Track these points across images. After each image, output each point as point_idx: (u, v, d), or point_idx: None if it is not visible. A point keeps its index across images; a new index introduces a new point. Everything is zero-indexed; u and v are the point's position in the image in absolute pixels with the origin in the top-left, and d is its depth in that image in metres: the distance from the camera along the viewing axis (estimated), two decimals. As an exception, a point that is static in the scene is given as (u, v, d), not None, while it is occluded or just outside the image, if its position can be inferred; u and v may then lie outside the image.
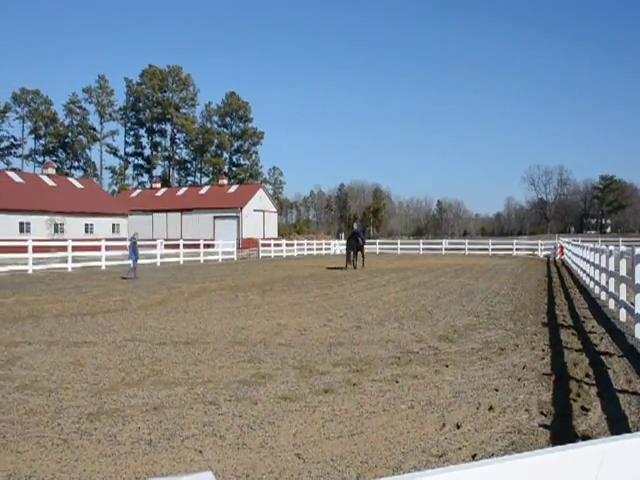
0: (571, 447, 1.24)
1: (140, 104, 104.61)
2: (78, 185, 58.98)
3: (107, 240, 33.96)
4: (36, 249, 27.15)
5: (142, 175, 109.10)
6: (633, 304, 9.34)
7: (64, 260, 27.68)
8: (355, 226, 28.81)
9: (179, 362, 7.56)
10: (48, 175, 56.66)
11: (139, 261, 23.39)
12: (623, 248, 12.45)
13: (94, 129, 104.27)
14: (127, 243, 23.68)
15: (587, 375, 6.73)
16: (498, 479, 1.15)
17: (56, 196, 51.69)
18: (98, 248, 29.81)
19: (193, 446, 4.60)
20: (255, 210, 65.06)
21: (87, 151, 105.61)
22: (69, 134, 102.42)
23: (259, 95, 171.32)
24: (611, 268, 12.71)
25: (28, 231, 46.27)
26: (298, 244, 48.43)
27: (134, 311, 12.59)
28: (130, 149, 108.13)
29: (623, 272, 11.29)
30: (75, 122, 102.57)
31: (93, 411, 5.43)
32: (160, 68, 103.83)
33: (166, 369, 7.15)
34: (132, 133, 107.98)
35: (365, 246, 29.30)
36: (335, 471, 4.15)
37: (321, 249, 50.79)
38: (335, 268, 28.00)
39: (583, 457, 1.24)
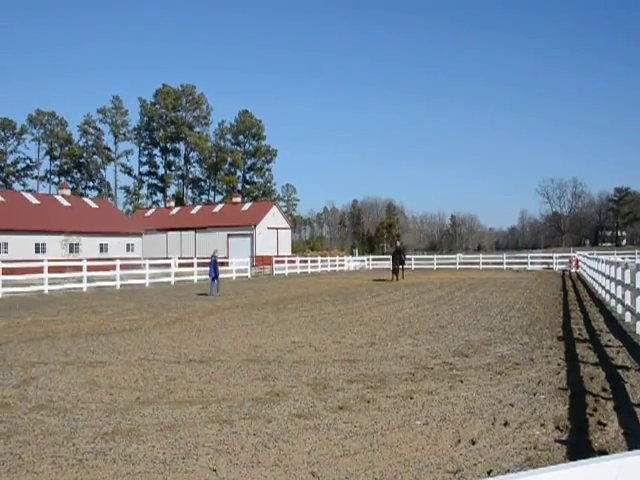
0: (586, 462, 1.25)
1: (154, 123, 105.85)
2: (93, 205, 59.64)
3: (122, 260, 34.23)
4: (52, 269, 27.45)
5: (156, 194, 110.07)
6: (650, 317, 9.24)
7: (79, 280, 27.93)
8: (397, 244, 33.59)
9: (193, 381, 7.58)
10: (63, 195, 57.36)
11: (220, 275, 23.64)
12: (639, 261, 12.34)
13: (108, 149, 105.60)
14: (209, 260, 23.85)
15: (603, 389, 6.65)
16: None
17: (71, 216, 52.28)
18: (113, 268, 30.06)
19: (207, 465, 4.61)
20: (269, 227, 65.22)
21: (102, 171, 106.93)
22: (84, 154, 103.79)
23: (272, 113, 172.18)
24: (627, 281, 12.58)
25: (44, 251, 46.76)
26: (312, 261, 48.43)
27: (148, 330, 12.66)
28: (144, 168, 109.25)
29: (639, 285, 11.17)
30: (90, 142, 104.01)
31: (108, 431, 5.46)
32: (173, 87, 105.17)
33: (180, 388, 7.18)
34: (146, 152, 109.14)
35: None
36: (349, 489, 4.13)
37: (335, 266, 50.75)
38: (381, 280, 31.37)
39: (599, 472, 1.24)
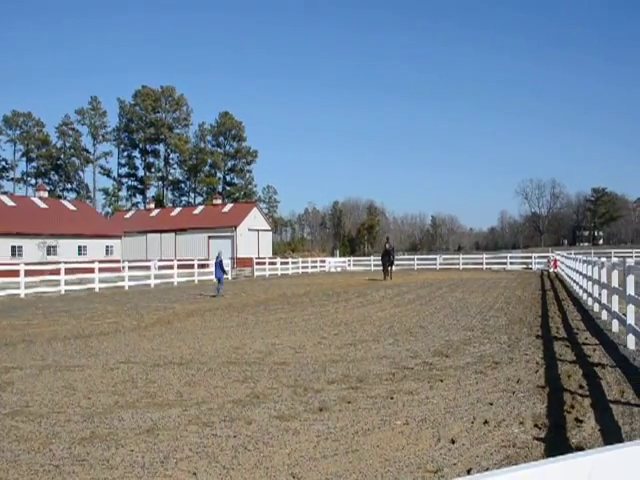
0: (561, 459, 1.26)
1: (133, 125, 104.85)
2: (71, 207, 58.87)
3: (101, 262, 33.85)
4: (28, 273, 27.03)
5: (136, 196, 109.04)
6: (625, 315, 9.38)
7: (57, 283, 27.56)
8: (387, 245, 33.98)
9: (173, 383, 7.52)
10: (40, 198, 56.54)
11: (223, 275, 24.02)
12: (615, 260, 12.53)
13: (87, 151, 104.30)
14: (213, 261, 25.02)
15: (581, 387, 6.74)
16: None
17: (48, 219, 51.53)
18: (92, 270, 29.70)
19: (187, 468, 4.57)
20: (250, 229, 65.02)
21: (80, 173, 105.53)
22: (61, 156, 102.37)
23: (253, 114, 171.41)
24: (603, 280, 12.77)
25: (20, 254, 46.02)
26: (293, 262, 48.37)
27: (127, 333, 12.53)
28: (123, 170, 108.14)
29: (615, 284, 11.35)
30: (67, 144, 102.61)
31: (86, 436, 5.39)
32: (153, 89, 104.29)
33: (160, 391, 7.11)
34: (125, 154, 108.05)
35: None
36: (330, 490, 4.13)
37: (316, 267, 50.75)
38: (374, 280, 32.51)
39: (573, 469, 1.25)
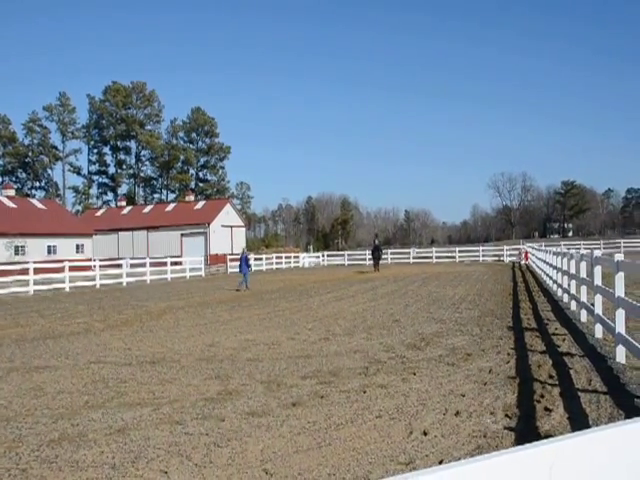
0: (524, 448, 1.26)
1: (103, 121, 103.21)
2: (39, 206, 57.72)
3: (71, 261, 33.28)
4: (-4, 273, 26.42)
5: (107, 194, 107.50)
6: (593, 305, 9.56)
7: (25, 283, 26.99)
8: (376, 242, 37.85)
9: (145, 382, 7.43)
10: (7, 196, 55.32)
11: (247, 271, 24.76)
12: (583, 251, 12.74)
13: (56, 148, 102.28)
14: (239, 256, 26.92)
15: (550, 376, 6.85)
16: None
17: (16, 218, 50.43)
18: (61, 270, 29.18)
19: (158, 467, 4.52)
20: (223, 226, 64.62)
21: (49, 171, 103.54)
22: (29, 154, 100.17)
23: (225, 110, 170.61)
24: (572, 271, 12.99)
25: (-12, 255, 45.02)
26: (267, 258, 48.21)
27: (98, 333, 12.35)
28: (94, 167, 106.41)
29: (583, 274, 11.56)
30: (35, 141, 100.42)
31: (54, 437, 5.29)
32: (123, 84, 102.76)
33: (131, 390, 7.02)
34: (96, 151, 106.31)
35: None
36: (302, 485, 4.12)
37: (290, 262, 50.68)
38: (364, 272, 35.08)
39: (536, 457, 1.25)
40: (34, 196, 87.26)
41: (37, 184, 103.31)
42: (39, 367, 8.66)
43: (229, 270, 43.19)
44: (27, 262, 32.13)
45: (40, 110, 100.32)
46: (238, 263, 26.57)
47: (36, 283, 26.85)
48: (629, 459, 1.35)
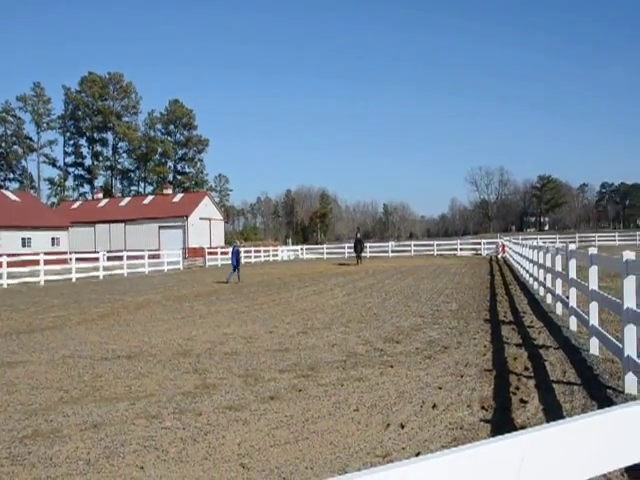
0: (494, 440, 1.26)
1: (80, 112, 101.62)
2: (13, 198, 56.69)
3: (46, 254, 32.77)
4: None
5: (83, 186, 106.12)
6: (568, 298, 9.69)
7: None
8: (358, 235, 39.68)
9: (121, 377, 7.35)
10: (-20, 189, 54.30)
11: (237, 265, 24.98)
12: (559, 245, 12.91)
13: (30, 139, 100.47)
14: (230, 250, 27.50)
15: (526, 368, 6.93)
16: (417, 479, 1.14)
17: (-11, 210, 49.55)
18: (36, 263, 28.72)
19: (134, 462, 4.47)
20: (201, 218, 64.22)
21: (23, 162, 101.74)
22: (2, 144, 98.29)
23: (203, 102, 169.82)
24: (548, 264, 13.15)
25: (-40, 248, 44.14)
26: (245, 252, 48.05)
27: (74, 327, 12.19)
28: (70, 159, 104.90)
29: (559, 268, 11.71)
30: (9, 132, 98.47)
31: (27, 434, 5.20)
32: (100, 75, 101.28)
33: (107, 385, 6.94)
34: (72, 143, 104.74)
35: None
36: (279, 479, 4.11)
37: (269, 256, 50.57)
38: (345, 264, 37.19)
39: (506, 450, 1.25)
40: (7, 188, 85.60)
41: (11, 175, 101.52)
42: (12, 362, 8.51)
43: (207, 263, 42.93)
44: (0, 255, 31.55)
45: (13, 100, 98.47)
46: (229, 256, 27.01)
47: (9, 277, 26.40)
48: (596, 446, 1.36)
